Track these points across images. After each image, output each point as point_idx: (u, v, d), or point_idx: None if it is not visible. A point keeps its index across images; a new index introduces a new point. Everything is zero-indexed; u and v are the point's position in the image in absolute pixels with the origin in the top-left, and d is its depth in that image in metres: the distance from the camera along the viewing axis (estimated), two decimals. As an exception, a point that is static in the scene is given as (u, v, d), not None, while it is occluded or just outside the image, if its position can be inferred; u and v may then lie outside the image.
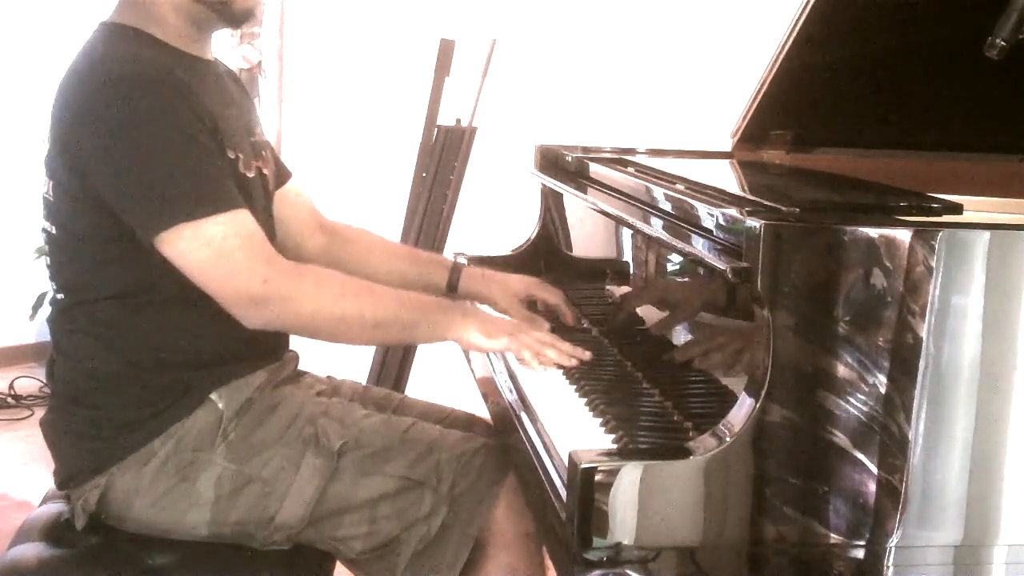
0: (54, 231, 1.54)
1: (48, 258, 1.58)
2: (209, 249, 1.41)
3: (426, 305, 1.59)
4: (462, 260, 1.92)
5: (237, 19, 1.58)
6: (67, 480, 1.57)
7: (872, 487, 1.15)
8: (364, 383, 1.90)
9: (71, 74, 1.50)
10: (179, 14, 1.54)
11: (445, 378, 2.77)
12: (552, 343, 1.57)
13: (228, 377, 1.55)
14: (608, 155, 1.99)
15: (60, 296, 1.56)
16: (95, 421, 1.54)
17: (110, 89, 1.44)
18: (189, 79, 1.49)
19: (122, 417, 1.52)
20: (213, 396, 1.53)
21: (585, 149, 2.04)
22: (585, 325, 1.83)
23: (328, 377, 1.82)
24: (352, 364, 2.28)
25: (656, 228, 1.46)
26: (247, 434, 1.54)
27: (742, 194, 1.39)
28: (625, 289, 1.75)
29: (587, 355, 1.56)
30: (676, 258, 1.50)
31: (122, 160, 1.43)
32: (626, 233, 1.72)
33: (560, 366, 1.56)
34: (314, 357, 1.77)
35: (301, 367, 1.77)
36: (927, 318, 1.13)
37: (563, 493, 1.20)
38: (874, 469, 1.15)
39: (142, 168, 1.42)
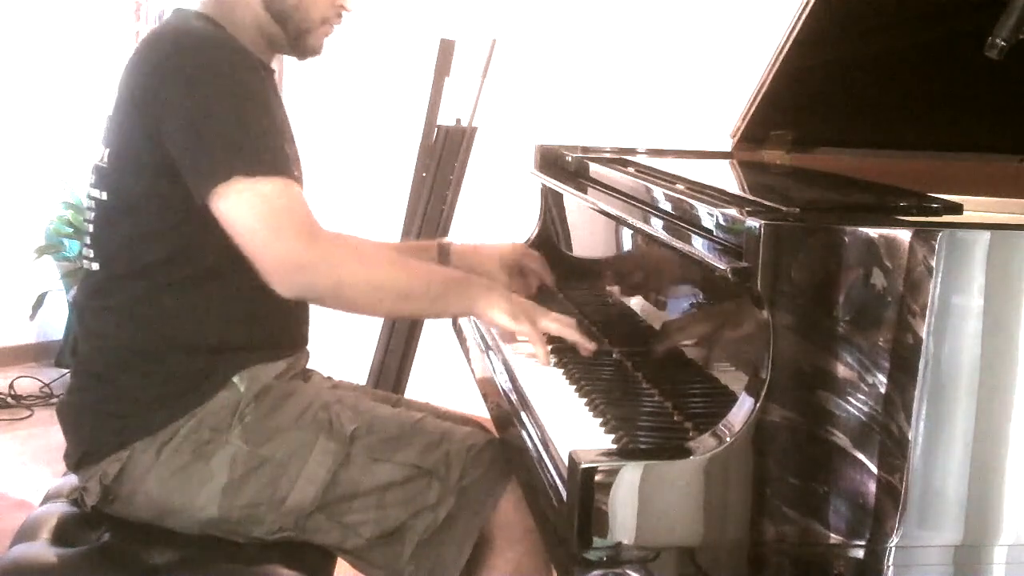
0: (104, 197, 1.56)
1: (91, 226, 1.59)
2: (260, 206, 1.44)
3: (453, 279, 1.62)
4: (446, 240, 1.96)
5: (304, 52, 1.66)
6: (85, 457, 1.57)
7: (872, 487, 1.15)
8: (364, 385, 1.91)
9: (150, 41, 1.56)
10: (258, 28, 1.61)
11: (445, 378, 2.77)
12: (573, 327, 1.59)
13: (251, 362, 1.57)
14: (608, 155, 1.99)
15: (96, 267, 1.58)
16: (119, 398, 1.55)
17: (192, 46, 1.50)
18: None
19: (146, 396, 1.54)
20: (235, 379, 1.55)
21: (585, 149, 2.04)
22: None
23: (329, 379, 1.82)
24: (352, 364, 2.28)
25: (656, 228, 1.46)
26: (263, 417, 1.56)
27: (742, 194, 1.39)
28: (626, 290, 1.75)
29: (593, 346, 1.59)
30: (676, 258, 1.50)
31: (193, 109, 1.46)
32: (626, 233, 1.72)
33: (567, 357, 1.57)
34: (314, 357, 1.77)
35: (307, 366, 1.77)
36: (927, 318, 1.13)
37: (563, 493, 1.20)
38: (874, 469, 1.15)
39: (211, 118, 1.46)
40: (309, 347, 1.73)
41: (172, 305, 1.55)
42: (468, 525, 1.54)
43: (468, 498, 1.55)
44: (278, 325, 1.61)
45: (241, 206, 1.44)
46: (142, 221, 1.53)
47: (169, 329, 1.55)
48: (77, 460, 1.59)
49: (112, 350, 1.57)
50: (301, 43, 1.64)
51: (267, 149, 1.48)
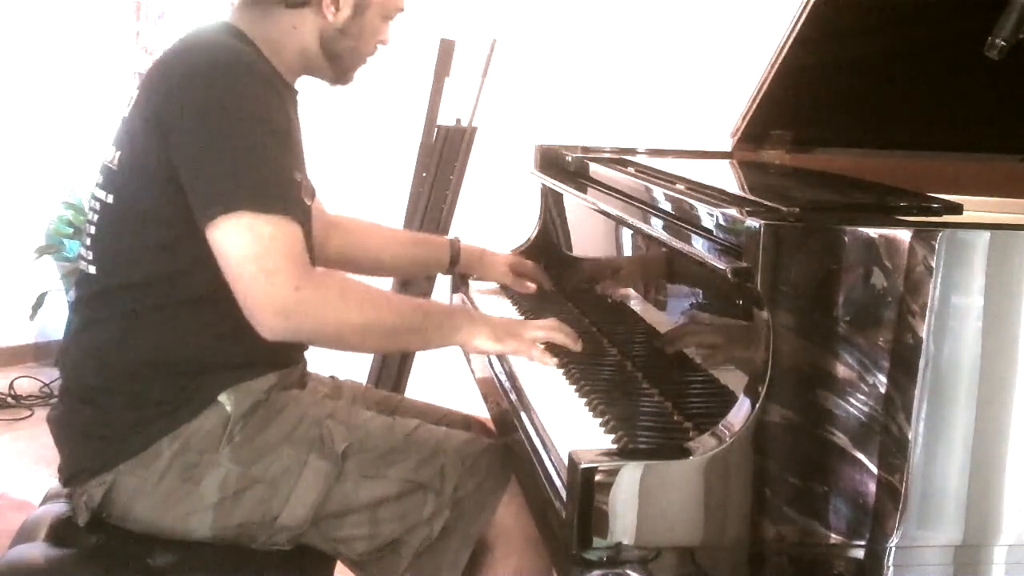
0: (110, 200, 1.54)
1: (93, 228, 1.57)
2: (256, 245, 1.41)
3: (437, 312, 1.62)
4: (454, 237, 2.07)
5: (343, 82, 1.68)
6: (72, 476, 1.56)
7: (872, 487, 1.15)
8: (365, 384, 1.91)
9: (178, 52, 1.54)
10: (299, 54, 1.61)
11: (445, 378, 2.77)
12: (558, 328, 1.61)
13: (237, 380, 1.54)
14: (608, 155, 2.00)
15: (92, 271, 1.56)
16: (103, 421, 1.53)
17: (220, 70, 1.48)
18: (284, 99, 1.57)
19: (131, 418, 1.52)
20: (221, 398, 1.53)
21: (585, 149, 2.04)
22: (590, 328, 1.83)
23: (331, 377, 1.82)
24: (353, 364, 2.28)
25: (656, 228, 1.46)
26: (252, 436, 1.53)
27: (742, 194, 1.39)
28: (626, 291, 1.75)
29: (579, 344, 1.61)
30: (676, 258, 1.50)
31: (208, 135, 1.45)
32: (626, 233, 1.72)
33: (567, 358, 1.58)
34: (316, 357, 1.77)
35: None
36: (927, 318, 1.13)
37: (563, 493, 1.20)
38: (874, 469, 1.15)
39: (225, 147, 1.44)
40: (313, 347, 1.72)
41: (163, 326, 1.52)
42: (464, 536, 1.53)
43: (464, 509, 1.54)
44: (269, 344, 1.54)
45: (237, 241, 1.41)
46: (146, 233, 1.51)
47: (158, 351, 1.52)
48: (66, 478, 1.58)
49: (98, 371, 1.54)
50: (345, 77, 1.67)
51: (277, 186, 1.46)
